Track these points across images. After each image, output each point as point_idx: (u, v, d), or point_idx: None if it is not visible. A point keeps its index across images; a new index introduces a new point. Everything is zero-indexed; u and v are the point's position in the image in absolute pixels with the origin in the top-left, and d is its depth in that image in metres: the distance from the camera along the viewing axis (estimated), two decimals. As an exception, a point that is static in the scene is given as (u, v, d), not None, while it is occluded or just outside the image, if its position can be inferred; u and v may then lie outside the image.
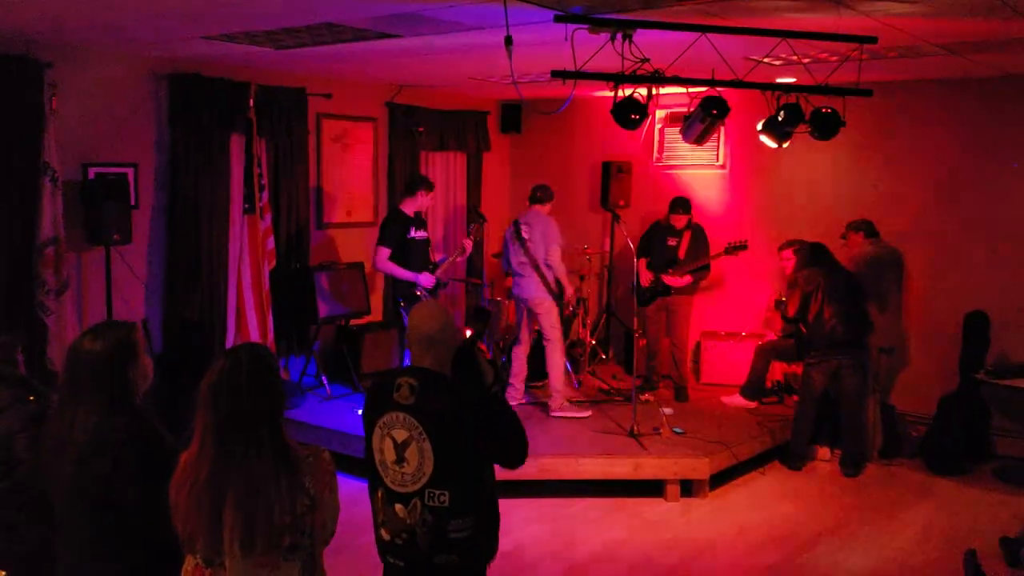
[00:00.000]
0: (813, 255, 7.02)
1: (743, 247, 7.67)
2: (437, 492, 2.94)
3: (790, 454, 7.03)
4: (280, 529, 2.48)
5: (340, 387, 7.88)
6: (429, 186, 7.25)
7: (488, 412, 3.04)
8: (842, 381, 6.87)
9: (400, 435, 2.99)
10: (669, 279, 7.75)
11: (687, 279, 7.76)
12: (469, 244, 7.37)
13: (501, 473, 3.15)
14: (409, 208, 7.15)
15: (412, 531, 2.98)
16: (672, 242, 7.88)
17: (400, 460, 2.99)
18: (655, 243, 7.94)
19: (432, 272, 7.10)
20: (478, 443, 3.00)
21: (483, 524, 3.06)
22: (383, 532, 3.07)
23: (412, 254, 7.07)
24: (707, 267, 7.89)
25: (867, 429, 7.12)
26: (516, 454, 3.07)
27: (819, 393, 6.93)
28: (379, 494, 3.07)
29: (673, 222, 7.89)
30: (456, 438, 2.96)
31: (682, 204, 7.89)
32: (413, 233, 7.09)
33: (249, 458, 2.48)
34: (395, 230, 7.05)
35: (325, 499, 2.60)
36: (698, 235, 7.94)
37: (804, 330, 6.99)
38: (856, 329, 6.83)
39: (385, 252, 7.00)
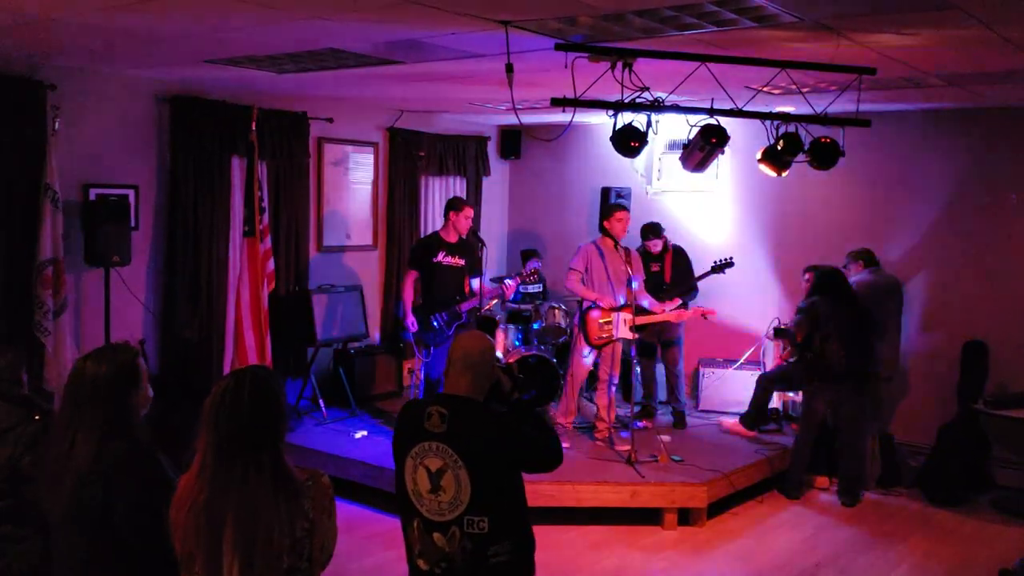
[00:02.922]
0: (823, 282, 6.93)
1: (729, 264, 7.62)
2: (476, 519, 2.95)
3: (788, 482, 7.00)
4: (279, 552, 2.47)
5: (336, 411, 7.86)
6: (458, 206, 7.01)
7: (519, 425, 3.06)
8: (841, 410, 6.83)
9: (434, 464, 2.98)
10: (659, 307, 7.63)
11: (676, 302, 7.69)
12: (512, 287, 7.04)
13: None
14: (448, 233, 7.00)
15: (451, 559, 2.97)
16: (655, 267, 7.86)
17: (436, 489, 2.97)
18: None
19: (456, 304, 6.91)
20: (515, 462, 3.02)
21: (521, 547, 3.07)
22: (420, 563, 3.05)
23: (437, 279, 6.93)
24: (695, 288, 7.85)
25: (865, 458, 7.08)
26: (551, 458, 3.12)
27: (819, 421, 6.89)
28: (415, 524, 3.05)
29: (649, 248, 7.87)
30: (493, 463, 2.97)
31: (652, 229, 7.87)
32: (441, 258, 6.94)
33: (249, 480, 2.47)
34: (419, 252, 7.04)
35: (324, 523, 2.59)
36: (679, 256, 7.93)
37: (807, 357, 6.90)
38: (858, 361, 6.77)
39: (411, 274, 7.01)
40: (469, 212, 7.06)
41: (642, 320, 7.08)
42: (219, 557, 2.46)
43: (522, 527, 3.10)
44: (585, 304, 7.09)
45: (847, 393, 6.78)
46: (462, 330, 6.92)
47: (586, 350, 7.09)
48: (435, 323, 6.89)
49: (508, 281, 7.06)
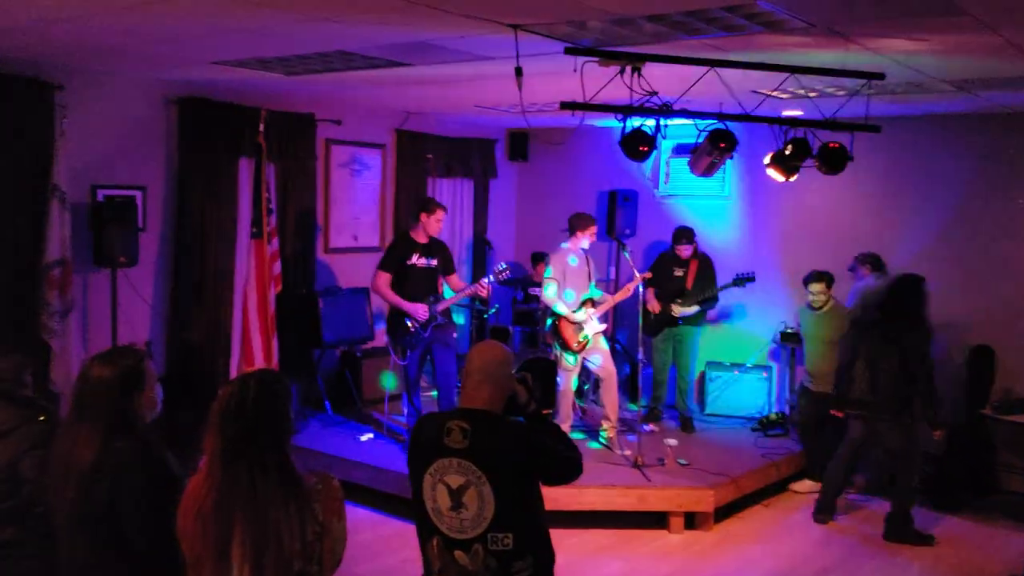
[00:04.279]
0: (885, 289, 6.34)
1: (751, 279, 7.64)
2: (500, 535, 2.89)
3: (818, 505, 6.56)
4: (290, 556, 2.47)
5: (342, 413, 7.85)
6: (429, 208, 6.95)
7: (541, 438, 3.01)
8: (883, 443, 6.29)
9: (455, 481, 2.91)
10: (677, 309, 7.71)
11: (693, 308, 7.75)
12: (486, 284, 6.99)
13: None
14: (419, 235, 6.95)
15: None
16: (679, 272, 7.87)
17: (457, 506, 2.92)
18: (662, 273, 7.91)
19: (432, 304, 6.86)
20: (538, 475, 2.98)
21: (542, 561, 3.02)
22: None
23: (411, 282, 6.86)
24: (715, 298, 7.87)
25: (911, 496, 6.35)
26: (573, 469, 3.06)
27: (856, 447, 6.36)
28: (435, 542, 2.99)
29: (679, 252, 7.88)
30: (517, 477, 2.92)
31: (685, 234, 7.86)
32: (415, 260, 6.89)
33: (255, 485, 2.48)
34: (394, 254, 6.95)
35: (334, 526, 2.59)
36: (705, 265, 7.93)
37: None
38: (889, 391, 6.10)
39: (383, 276, 6.84)
40: (440, 215, 6.96)
41: (602, 308, 7.09)
42: (228, 561, 2.46)
43: (544, 541, 3.05)
44: (551, 313, 7.05)
45: (883, 425, 6.19)
46: (438, 331, 6.90)
47: (571, 360, 7.02)
48: (410, 325, 6.87)
49: (484, 280, 7.01)
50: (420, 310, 6.78)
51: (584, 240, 7.06)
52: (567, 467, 3.05)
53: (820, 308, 7.08)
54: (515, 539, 2.90)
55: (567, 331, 6.93)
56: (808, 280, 7.14)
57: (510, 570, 2.91)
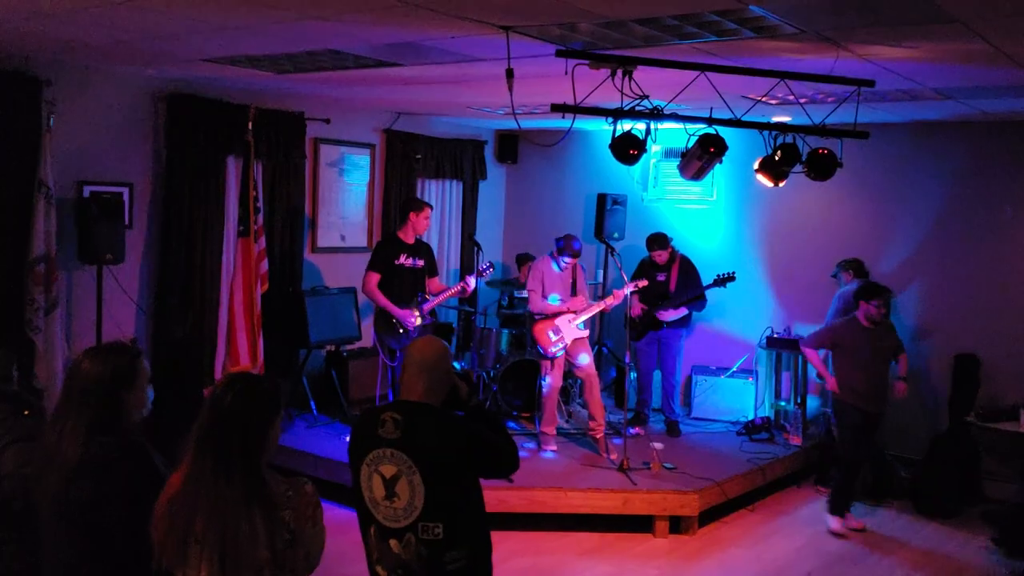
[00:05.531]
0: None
1: (731, 278, 7.64)
2: (431, 525, 2.92)
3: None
4: (260, 564, 2.46)
5: (327, 414, 7.81)
6: (417, 207, 7.01)
7: (475, 431, 3.03)
8: None
9: (388, 470, 2.96)
10: (662, 314, 7.70)
11: (681, 311, 7.74)
12: (471, 283, 7.06)
13: (488, 505, 3.13)
14: (406, 235, 6.99)
15: (408, 566, 2.95)
16: (661, 277, 7.87)
17: (390, 495, 2.96)
18: (645, 279, 7.91)
19: (419, 304, 6.90)
20: (471, 467, 3.00)
21: (478, 553, 3.04)
22: (379, 569, 3.03)
23: (398, 281, 6.89)
24: (703, 298, 7.85)
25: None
26: (508, 463, 3.09)
27: None
28: (371, 531, 3.03)
29: (656, 258, 7.89)
30: (447, 469, 2.94)
31: (658, 240, 7.87)
32: (402, 260, 6.93)
33: (218, 485, 2.47)
34: (382, 255, 6.96)
35: (307, 533, 2.58)
36: (686, 267, 7.94)
37: None
38: None
39: (373, 277, 6.87)
40: (428, 213, 7.06)
41: (586, 314, 7.07)
42: (187, 549, 2.46)
43: (479, 533, 3.07)
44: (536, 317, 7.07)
45: None
46: (426, 331, 6.93)
47: (549, 365, 7.04)
48: (398, 325, 6.87)
49: (470, 279, 7.06)
50: (409, 318, 6.81)
51: (566, 256, 7.06)
52: (501, 462, 3.08)
53: (880, 323, 6.43)
54: (445, 530, 2.93)
55: (542, 336, 6.95)
56: (871, 293, 6.38)
57: (442, 559, 2.94)
